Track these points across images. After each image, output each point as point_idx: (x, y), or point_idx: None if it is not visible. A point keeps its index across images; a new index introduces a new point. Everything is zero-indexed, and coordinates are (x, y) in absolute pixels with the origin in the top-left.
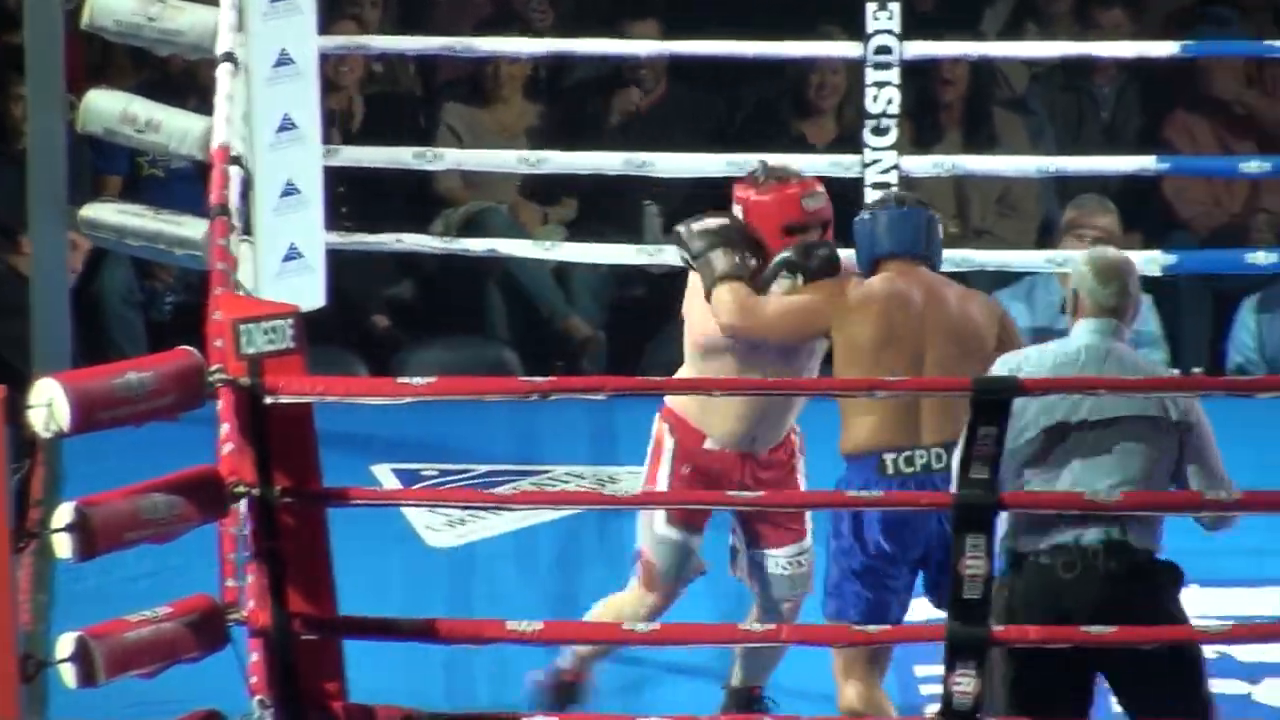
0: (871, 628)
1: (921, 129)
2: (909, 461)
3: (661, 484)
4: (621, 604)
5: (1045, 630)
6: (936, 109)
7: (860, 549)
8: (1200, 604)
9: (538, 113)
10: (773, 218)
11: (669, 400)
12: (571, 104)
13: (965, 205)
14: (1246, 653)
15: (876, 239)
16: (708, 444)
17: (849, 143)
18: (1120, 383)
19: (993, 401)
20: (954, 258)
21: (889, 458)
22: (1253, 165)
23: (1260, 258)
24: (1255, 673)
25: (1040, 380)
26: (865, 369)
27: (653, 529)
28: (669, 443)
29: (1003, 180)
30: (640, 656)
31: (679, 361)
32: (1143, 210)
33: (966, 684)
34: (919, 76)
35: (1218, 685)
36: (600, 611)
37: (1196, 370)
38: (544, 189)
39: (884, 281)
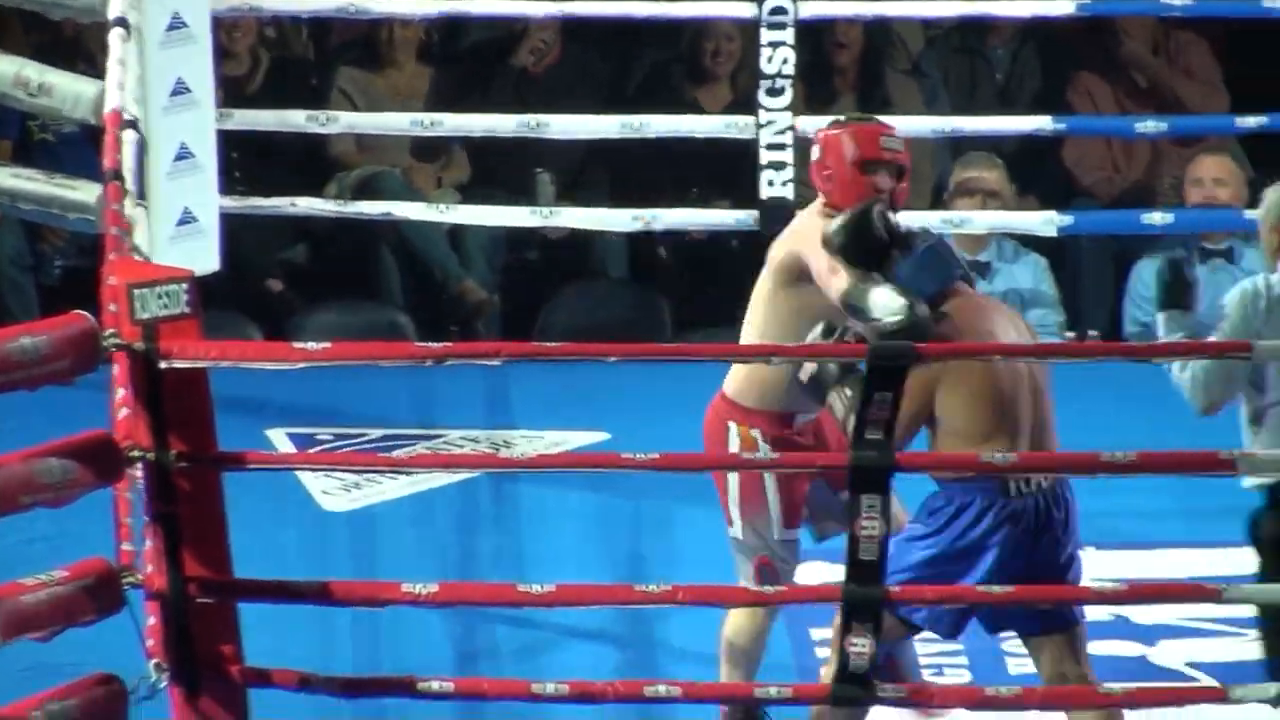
0: (768, 588)
1: (816, 91)
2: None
3: (771, 496)
4: (740, 617)
5: (941, 590)
6: (831, 71)
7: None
8: (1096, 566)
9: (431, 76)
10: (848, 151)
11: (734, 399)
12: (465, 67)
13: None
14: (1142, 614)
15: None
16: (799, 419)
17: (744, 108)
18: (1016, 349)
19: (889, 367)
20: None
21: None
22: (1149, 125)
23: (1157, 218)
24: (1151, 634)
25: (939, 345)
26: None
27: (773, 535)
28: (762, 446)
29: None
30: (538, 619)
31: (574, 324)
32: (1040, 173)
33: (862, 645)
34: (814, 38)
35: (1115, 647)
36: (730, 634)
37: (1093, 334)
38: (437, 152)
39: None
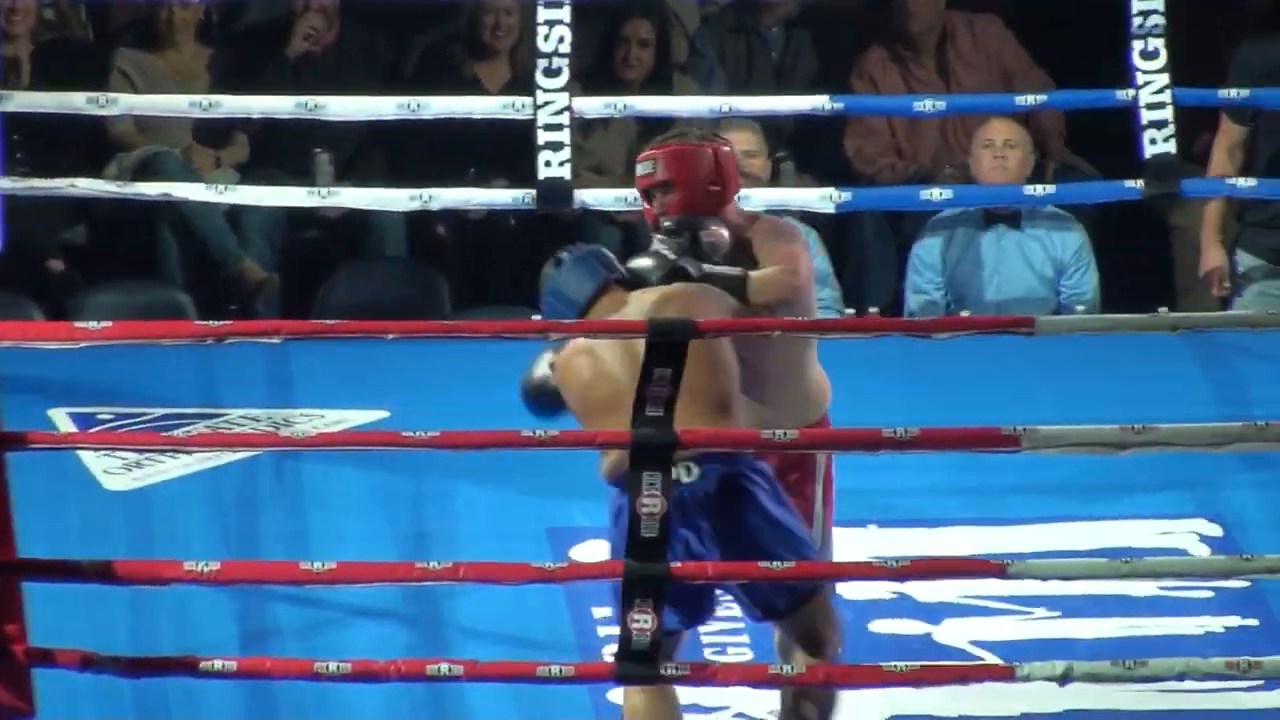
0: (550, 564)
1: (595, 69)
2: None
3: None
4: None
5: (723, 566)
6: (612, 49)
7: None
8: (879, 544)
9: (210, 56)
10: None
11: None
12: (243, 47)
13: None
14: (926, 592)
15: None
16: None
17: (524, 85)
18: (800, 324)
19: (667, 343)
20: (627, 196)
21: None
22: (927, 104)
23: (936, 194)
24: (935, 613)
25: (715, 321)
26: None
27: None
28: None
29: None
30: (321, 598)
31: (352, 303)
32: (819, 153)
33: (644, 622)
34: (596, 17)
35: (899, 625)
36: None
37: (873, 310)
38: (216, 133)
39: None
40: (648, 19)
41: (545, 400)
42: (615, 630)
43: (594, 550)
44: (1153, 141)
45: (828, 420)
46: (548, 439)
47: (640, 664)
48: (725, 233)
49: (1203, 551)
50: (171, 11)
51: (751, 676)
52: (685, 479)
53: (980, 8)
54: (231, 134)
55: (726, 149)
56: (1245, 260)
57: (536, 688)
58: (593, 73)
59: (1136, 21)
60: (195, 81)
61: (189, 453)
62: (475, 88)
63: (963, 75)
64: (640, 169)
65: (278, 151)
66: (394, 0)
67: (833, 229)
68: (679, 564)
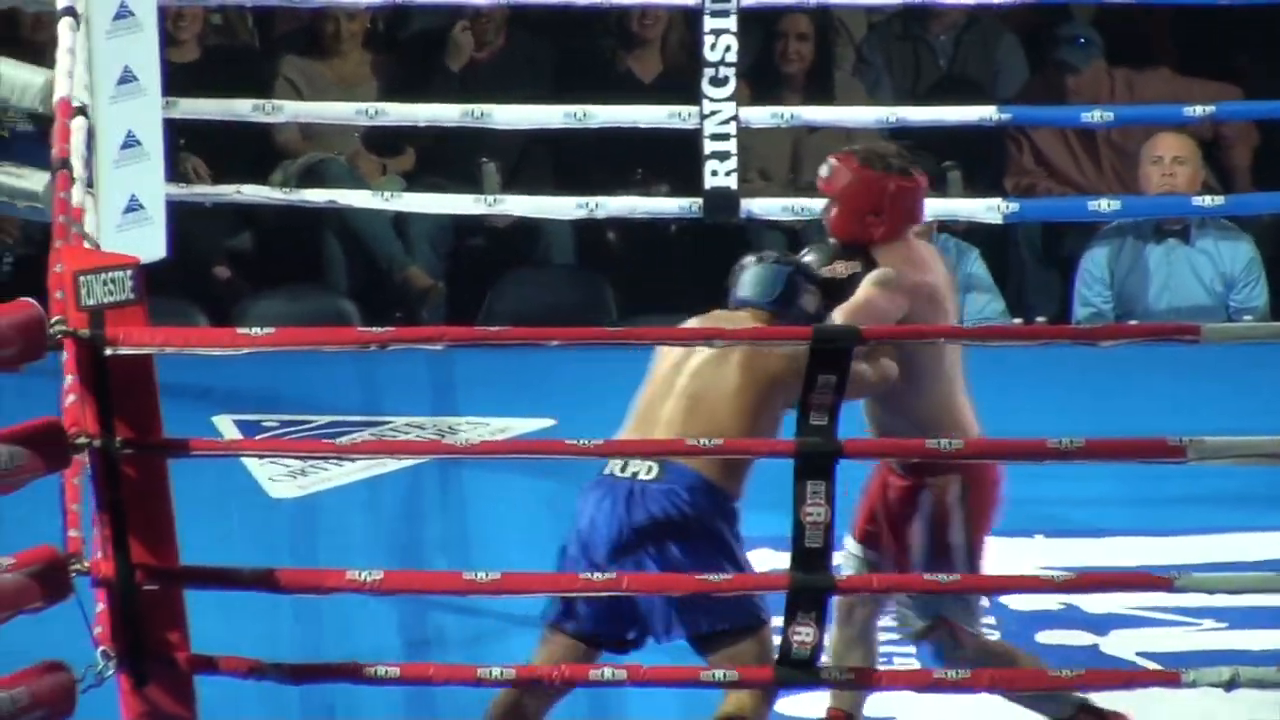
0: (716, 576)
1: (761, 80)
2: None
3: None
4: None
5: (887, 578)
6: (774, 60)
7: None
8: (1045, 555)
9: (376, 64)
10: None
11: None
12: (410, 55)
13: (799, 164)
14: (1093, 604)
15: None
16: None
17: (676, 79)
18: (966, 332)
19: (831, 349)
20: (793, 206)
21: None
22: (1095, 115)
23: (1104, 205)
24: (1103, 624)
25: (881, 329)
26: None
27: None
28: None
29: (844, 137)
30: (485, 607)
31: (518, 310)
32: (986, 162)
33: (806, 634)
34: (758, 26)
35: (1066, 636)
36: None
37: (1041, 319)
38: (383, 140)
39: None
40: (806, 14)
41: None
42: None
43: (761, 559)
44: None
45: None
46: (714, 448)
47: (800, 669)
48: (840, 269)
49: None
50: (338, 20)
51: (917, 681)
52: (643, 476)
53: (1143, 60)
54: (399, 143)
55: (909, 184)
56: None
57: (700, 693)
58: (752, 70)
59: None
60: (361, 88)
61: (353, 460)
62: (629, 83)
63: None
64: (820, 172)
65: (444, 160)
66: (556, 5)
67: (991, 243)
68: (843, 577)
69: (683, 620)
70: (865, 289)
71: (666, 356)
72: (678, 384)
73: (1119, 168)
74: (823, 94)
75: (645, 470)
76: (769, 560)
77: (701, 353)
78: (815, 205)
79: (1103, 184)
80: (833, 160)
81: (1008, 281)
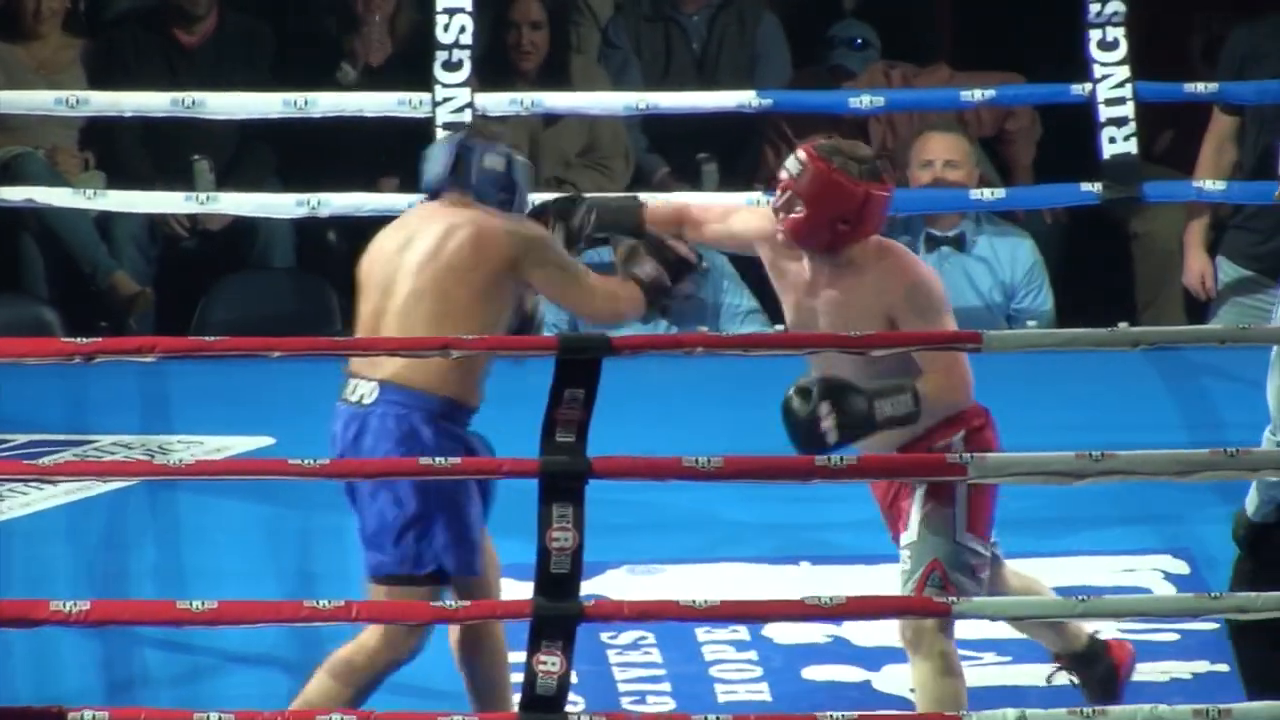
0: (452, 604)
1: (492, 64)
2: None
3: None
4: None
5: (641, 606)
6: (506, 45)
7: None
8: (810, 583)
9: (79, 48)
10: None
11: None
12: (115, 38)
13: (538, 161)
14: (864, 635)
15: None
16: None
17: (405, 61)
18: (712, 339)
19: (580, 361)
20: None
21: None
22: (864, 100)
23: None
24: (875, 659)
25: (630, 338)
26: None
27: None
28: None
29: (587, 128)
30: (200, 641)
31: (235, 319)
32: (742, 154)
33: (552, 664)
34: (486, 14)
35: (835, 671)
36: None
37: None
38: (88, 133)
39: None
40: (539, 2)
41: None
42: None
43: (508, 589)
44: (1112, 140)
45: (976, 414)
46: (451, 468)
47: (545, 710)
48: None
49: (1168, 590)
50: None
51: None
52: (366, 400)
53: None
54: (105, 135)
55: (883, 192)
56: (1225, 268)
57: None
58: (483, 62)
59: (1094, 9)
60: (64, 75)
61: (55, 483)
62: (350, 60)
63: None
64: (786, 165)
65: (153, 153)
66: None
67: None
68: (591, 604)
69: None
70: (938, 319)
71: (378, 259)
72: (398, 285)
73: (893, 175)
74: (559, 83)
75: (367, 393)
76: (512, 589)
77: (417, 250)
78: None
79: None
80: (801, 156)
81: (766, 285)
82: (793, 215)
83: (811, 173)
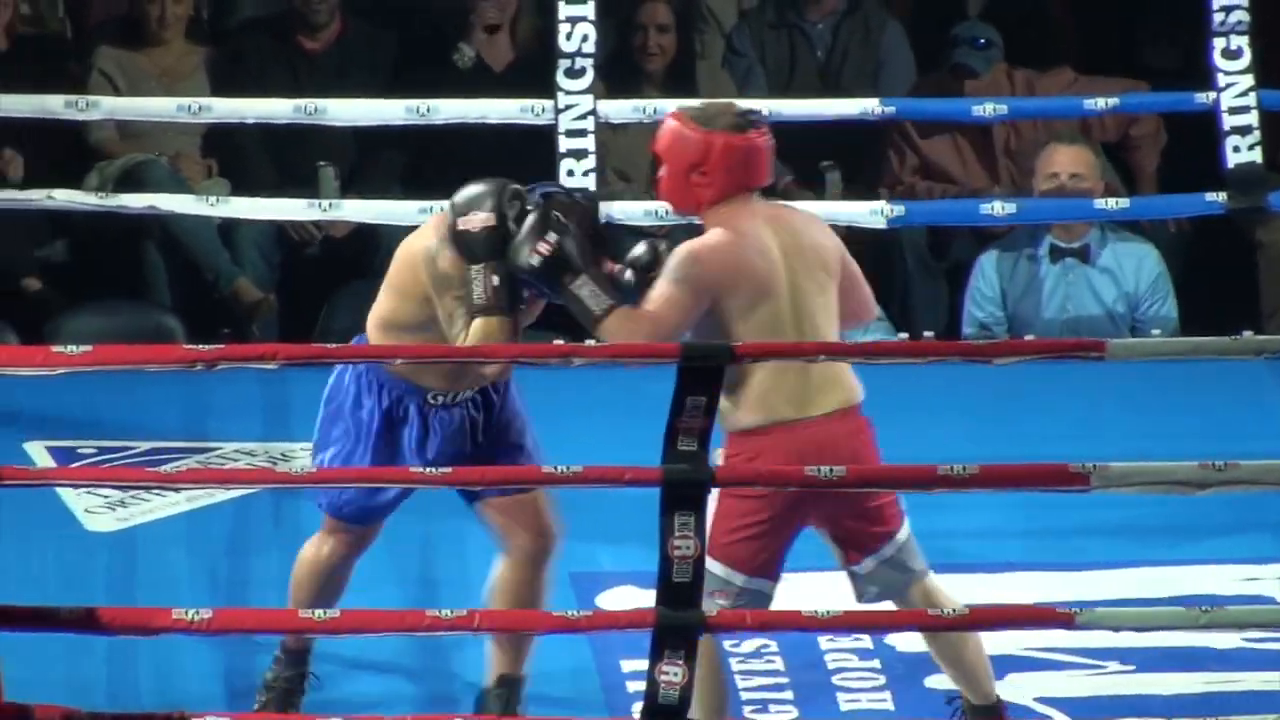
0: (574, 613)
1: (616, 77)
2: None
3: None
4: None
5: (764, 615)
6: (634, 50)
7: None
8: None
9: (202, 55)
10: None
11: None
12: (238, 45)
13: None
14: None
15: None
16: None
17: (528, 65)
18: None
19: (703, 369)
20: (658, 209)
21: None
22: (987, 109)
23: (998, 208)
24: (998, 667)
25: (756, 345)
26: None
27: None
28: None
29: None
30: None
31: (357, 325)
32: (866, 162)
33: (674, 674)
34: (613, 19)
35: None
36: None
37: (928, 335)
38: (211, 140)
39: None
40: (666, 3)
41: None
42: (643, 685)
43: (623, 597)
44: (1236, 149)
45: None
46: (572, 475)
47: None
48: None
49: None
50: (162, 6)
51: None
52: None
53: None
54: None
55: (738, 141)
56: None
57: None
58: (610, 64)
59: (1218, 18)
60: (187, 83)
61: (178, 490)
62: (481, 73)
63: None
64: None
65: (276, 160)
66: None
67: (873, 249)
68: (713, 613)
69: None
70: (662, 284)
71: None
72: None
73: (1017, 179)
74: (685, 89)
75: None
76: (633, 598)
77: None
78: None
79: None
80: (666, 118)
81: (891, 293)
82: (658, 176)
83: (665, 128)
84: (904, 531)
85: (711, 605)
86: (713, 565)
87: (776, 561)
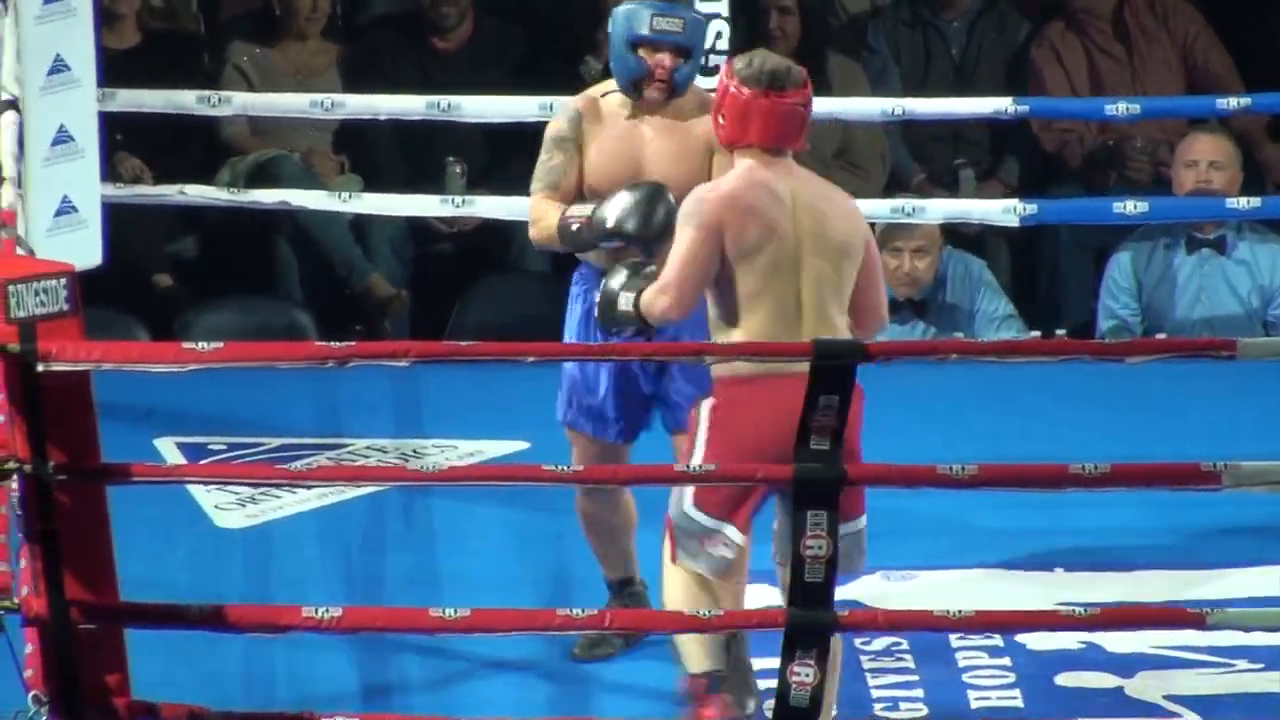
0: (704, 611)
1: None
2: None
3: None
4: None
5: (895, 616)
6: (768, 44)
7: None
8: (1065, 590)
9: (334, 53)
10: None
11: None
12: (371, 43)
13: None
14: (1117, 643)
15: None
16: None
17: None
18: (968, 345)
19: (835, 367)
20: None
21: None
22: (1120, 108)
23: (1130, 207)
24: (1128, 665)
25: (888, 344)
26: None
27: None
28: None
29: (842, 130)
30: (454, 648)
31: (490, 323)
32: (1002, 153)
33: (806, 675)
34: (748, 12)
35: (1088, 679)
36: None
37: (1061, 333)
38: (342, 137)
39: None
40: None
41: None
42: (774, 683)
43: (754, 595)
44: None
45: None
46: (702, 475)
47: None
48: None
49: None
50: (313, 2)
51: None
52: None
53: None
54: (357, 137)
55: (744, 95)
56: None
57: None
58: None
59: None
60: (320, 79)
61: (309, 487)
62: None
63: (1144, 45)
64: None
65: (407, 157)
66: None
67: (1021, 238)
68: (845, 613)
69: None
70: (676, 235)
71: None
72: None
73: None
74: (815, 77)
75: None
76: (764, 596)
77: None
78: None
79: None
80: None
81: (1038, 281)
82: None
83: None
84: (861, 522)
85: (702, 554)
86: (700, 516)
87: (741, 511)
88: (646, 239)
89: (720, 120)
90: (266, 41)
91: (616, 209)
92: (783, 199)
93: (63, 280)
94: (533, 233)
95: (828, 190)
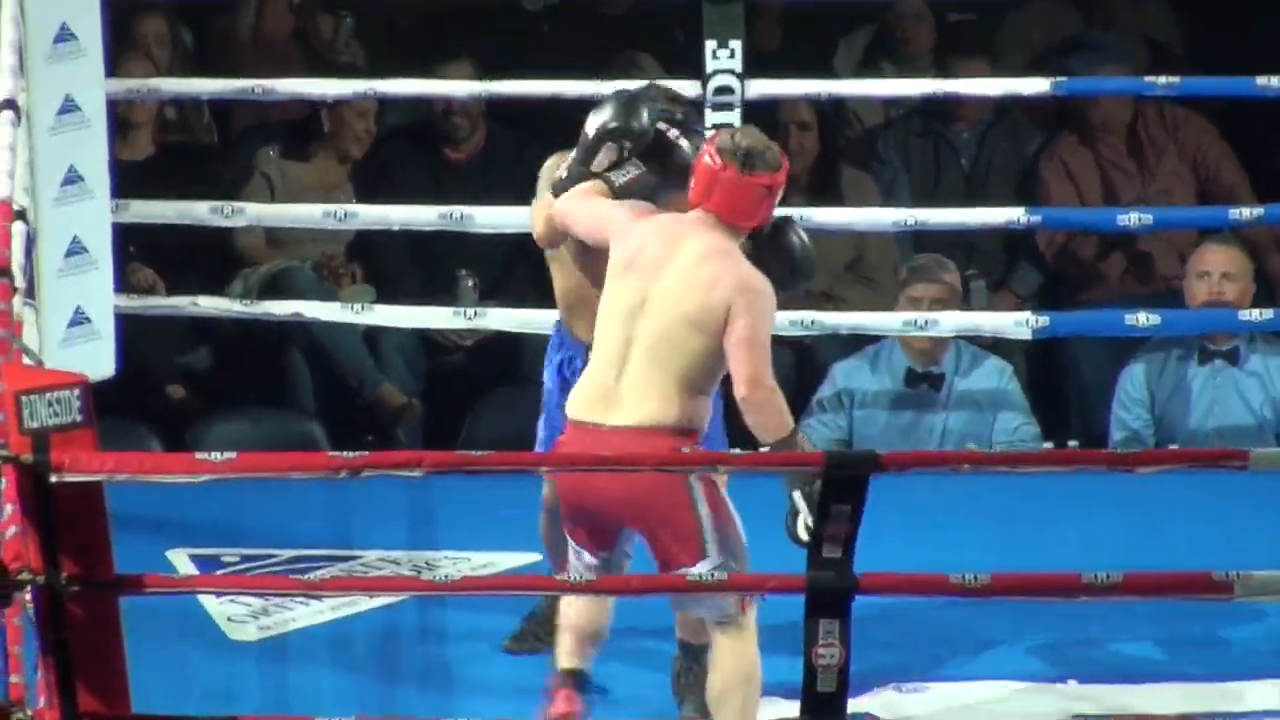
0: None
1: None
2: None
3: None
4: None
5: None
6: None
7: None
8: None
9: (349, 164)
10: None
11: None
12: (383, 154)
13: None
14: None
15: None
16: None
17: None
18: (981, 456)
19: (847, 477)
20: (802, 319)
21: None
22: (1132, 218)
23: (1142, 319)
24: None
25: (901, 455)
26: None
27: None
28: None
29: (854, 242)
30: None
31: (502, 433)
32: (1013, 269)
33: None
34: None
35: None
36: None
37: (1073, 443)
38: (355, 247)
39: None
40: (808, 103)
41: None
42: None
43: (767, 709)
44: None
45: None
46: (716, 584)
47: None
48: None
49: None
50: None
51: None
52: None
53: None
54: (369, 249)
55: (701, 163)
56: None
57: None
58: None
59: None
60: (336, 192)
61: (321, 599)
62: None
63: (1154, 158)
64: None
65: (420, 267)
66: (541, 100)
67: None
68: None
69: None
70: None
71: None
72: None
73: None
74: (828, 190)
75: None
76: (778, 709)
77: None
78: (823, 318)
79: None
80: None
81: (1057, 390)
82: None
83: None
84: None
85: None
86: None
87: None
88: (633, 133)
89: (690, 182)
90: (301, 155)
91: (600, 116)
92: (667, 242)
93: (76, 391)
94: (536, 230)
95: (709, 251)
